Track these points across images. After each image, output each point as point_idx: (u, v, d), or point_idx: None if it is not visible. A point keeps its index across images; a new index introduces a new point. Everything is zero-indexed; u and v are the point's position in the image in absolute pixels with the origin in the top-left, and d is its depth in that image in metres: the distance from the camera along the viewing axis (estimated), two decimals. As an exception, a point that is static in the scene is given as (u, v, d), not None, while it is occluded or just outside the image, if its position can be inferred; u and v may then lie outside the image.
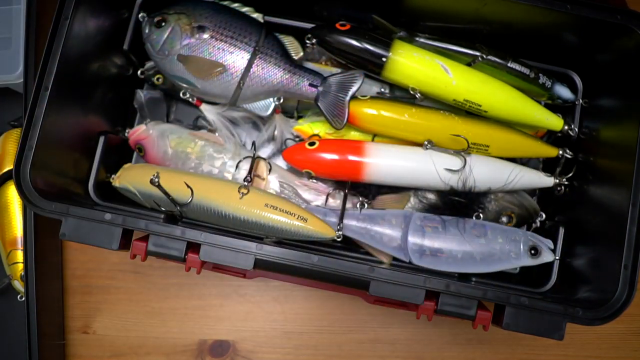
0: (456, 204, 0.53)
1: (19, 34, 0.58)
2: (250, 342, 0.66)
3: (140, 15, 0.56)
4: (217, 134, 0.58)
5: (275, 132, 0.58)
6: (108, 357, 0.66)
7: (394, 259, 0.54)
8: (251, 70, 0.53)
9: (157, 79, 0.60)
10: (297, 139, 0.58)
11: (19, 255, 0.61)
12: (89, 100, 0.55)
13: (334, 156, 0.53)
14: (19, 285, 0.61)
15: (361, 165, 0.53)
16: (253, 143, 0.59)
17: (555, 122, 0.56)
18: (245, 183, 0.51)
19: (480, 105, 0.53)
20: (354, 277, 0.46)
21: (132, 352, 0.66)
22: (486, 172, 0.54)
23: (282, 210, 0.50)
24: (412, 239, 0.52)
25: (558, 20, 0.51)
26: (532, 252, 0.52)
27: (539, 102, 0.56)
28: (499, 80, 0.54)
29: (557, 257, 0.55)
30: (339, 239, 0.52)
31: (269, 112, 0.56)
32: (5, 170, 0.63)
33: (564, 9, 0.49)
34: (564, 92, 0.58)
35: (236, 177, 0.55)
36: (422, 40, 0.54)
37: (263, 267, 0.46)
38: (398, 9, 0.54)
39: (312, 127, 0.57)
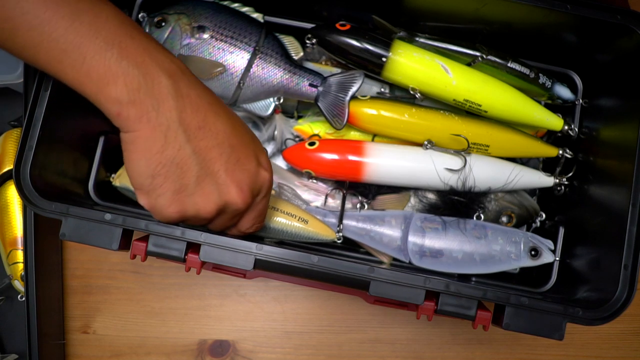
0: (456, 204, 0.53)
1: (19, 34, 0.58)
2: (250, 342, 0.66)
3: (140, 15, 0.56)
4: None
5: (275, 132, 0.58)
6: (108, 357, 0.66)
7: (394, 259, 0.54)
8: (251, 70, 0.53)
9: (157, 79, 0.59)
10: (297, 139, 0.58)
11: (19, 255, 0.61)
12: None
13: (334, 156, 0.53)
14: (19, 285, 0.61)
15: (361, 165, 0.53)
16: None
17: (555, 122, 0.56)
18: None
19: (480, 105, 0.53)
20: (354, 277, 0.46)
21: (132, 352, 0.66)
22: (486, 172, 0.54)
23: (283, 212, 0.50)
24: (412, 240, 0.52)
25: (558, 20, 0.51)
26: (532, 253, 0.52)
27: (539, 102, 0.56)
28: (499, 80, 0.54)
29: (557, 258, 0.55)
30: (339, 241, 0.52)
31: (269, 112, 0.56)
32: (5, 170, 0.63)
33: (564, 9, 0.49)
34: (564, 92, 0.58)
35: (236, 177, 0.55)
36: (422, 40, 0.54)
37: (263, 267, 0.46)
38: (398, 9, 0.54)
39: (312, 127, 0.57)
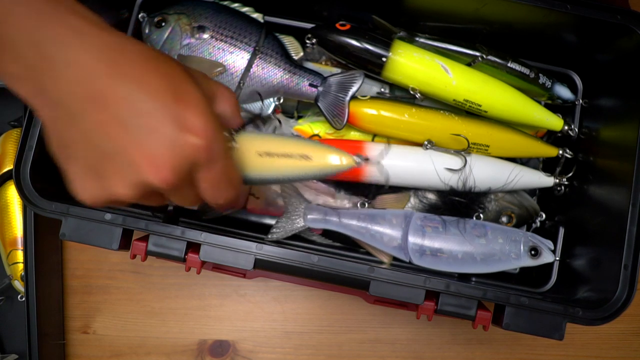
0: (456, 204, 0.53)
1: (19, 34, 0.58)
2: (250, 342, 0.66)
3: (140, 15, 0.56)
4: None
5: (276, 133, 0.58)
6: (108, 357, 0.66)
7: (394, 258, 0.54)
8: (251, 70, 0.53)
9: (157, 79, 0.60)
10: (297, 139, 0.58)
11: (19, 255, 0.61)
12: (89, 100, 0.55)
13: (334, 156, 0.53)
14: (19, 285, 0.61)
15: (361, 165, 0.53)
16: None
17: (555, 122, 0.56)
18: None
19: (480, 105, 0.53)
20: (354, 277, 0.46)
21: (132, 352, 0.66)
22: (486, 172, 0.54)
23: (279, 155, 0.42)
24: (413, 239, 0.52)
25: (558, 20, 0.51)
26: (533, 252, 0.52)
27: (539, 102, 0.56)
28: (499, 80, 0.54)
29: (557, 258, 0.55)
30: (359, 165, 0.44)
31: (269, 112, 0.56)
32: (5, 170, 0.63)
33: (564, 9, 0.49)
34: (564, 92, 0.58)
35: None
36: (422, 40, 0.54)
37: (263, 267, 0.46)
38: (398, 9, 0.54)
39: (312, 127, 0.57)
